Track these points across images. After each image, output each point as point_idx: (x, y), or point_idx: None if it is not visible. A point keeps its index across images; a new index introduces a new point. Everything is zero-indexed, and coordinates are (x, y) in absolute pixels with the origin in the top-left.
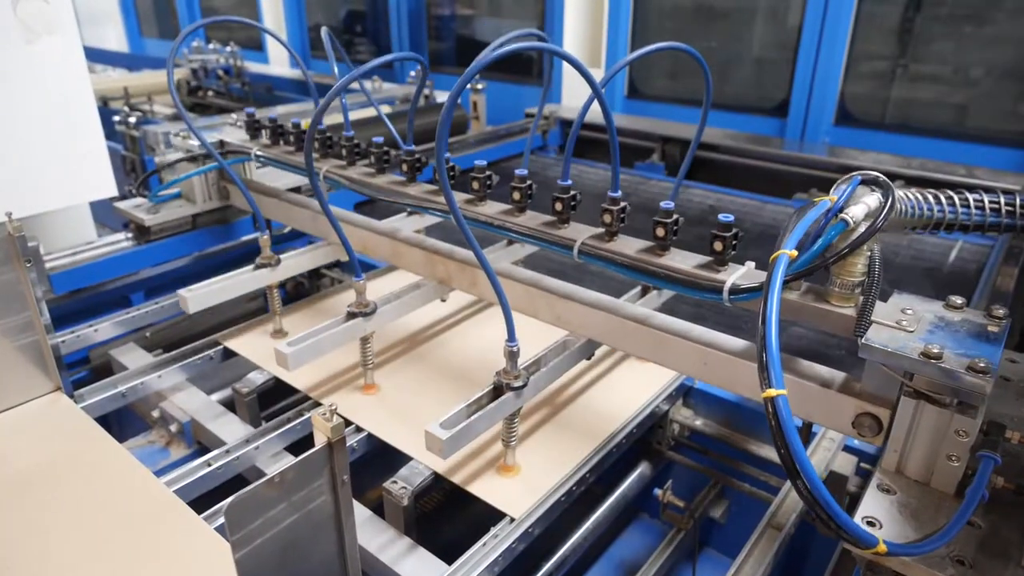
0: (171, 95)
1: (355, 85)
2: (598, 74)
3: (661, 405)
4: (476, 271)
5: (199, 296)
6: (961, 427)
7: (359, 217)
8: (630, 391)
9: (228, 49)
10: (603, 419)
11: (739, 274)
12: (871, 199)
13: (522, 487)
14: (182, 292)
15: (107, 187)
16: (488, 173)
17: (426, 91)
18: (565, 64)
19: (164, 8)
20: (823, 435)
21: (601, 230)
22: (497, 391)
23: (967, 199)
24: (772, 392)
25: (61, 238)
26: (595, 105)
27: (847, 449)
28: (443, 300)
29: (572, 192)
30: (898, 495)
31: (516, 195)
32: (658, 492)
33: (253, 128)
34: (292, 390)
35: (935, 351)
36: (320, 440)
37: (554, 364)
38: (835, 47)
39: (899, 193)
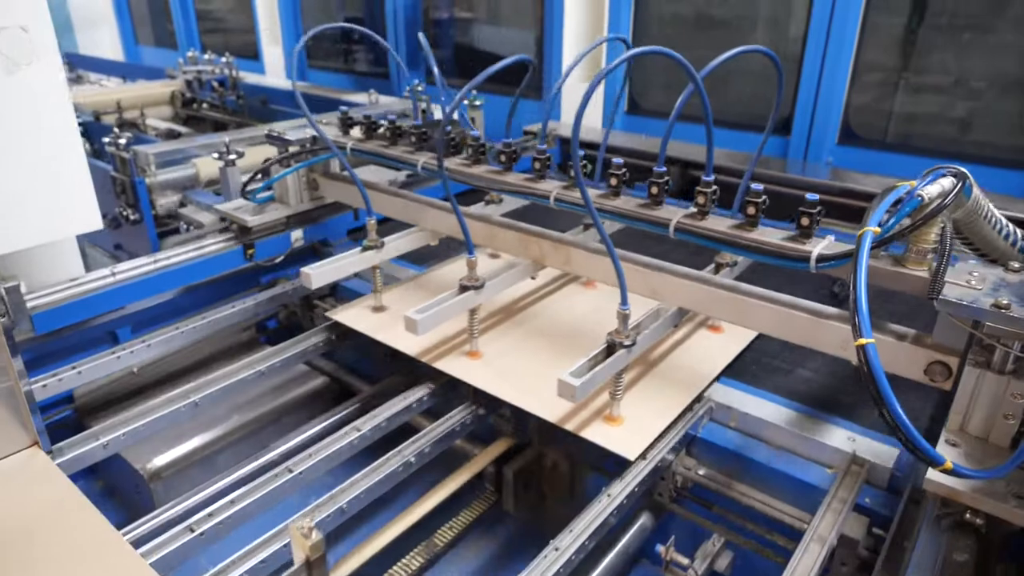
0: (305, 115)
1: (348, 98)
2: (598, 90)
3: (666, 456)
4: (570, 249)
5: (321, 274)
6: (1017, 391)
7: (449, 206)
8: (708, 352)
9: (223, 59)
10: (690, 375)
11: (823, 245)
12: (946, 181)
13: (629, 433)
14: (305, 270)
15: (92, 220)
16: (585, 161)
17: (422, 106)
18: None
19: (159, 14)
20: (833, 496)
21: (693, 210)
22: (611, 348)
23: None
24: (863, 340)
25: (47, 272)
26: (587, 122)
27: (858, 509)
28: (533, 278)
29: (666, 177)
30: (963, 447)
31: (613, 180)
32: (660, 549)
33: (346, 124)
34: None
35: (1004, 302)
36: (298, 558)
37: (652, 329)
38: (839, 64)
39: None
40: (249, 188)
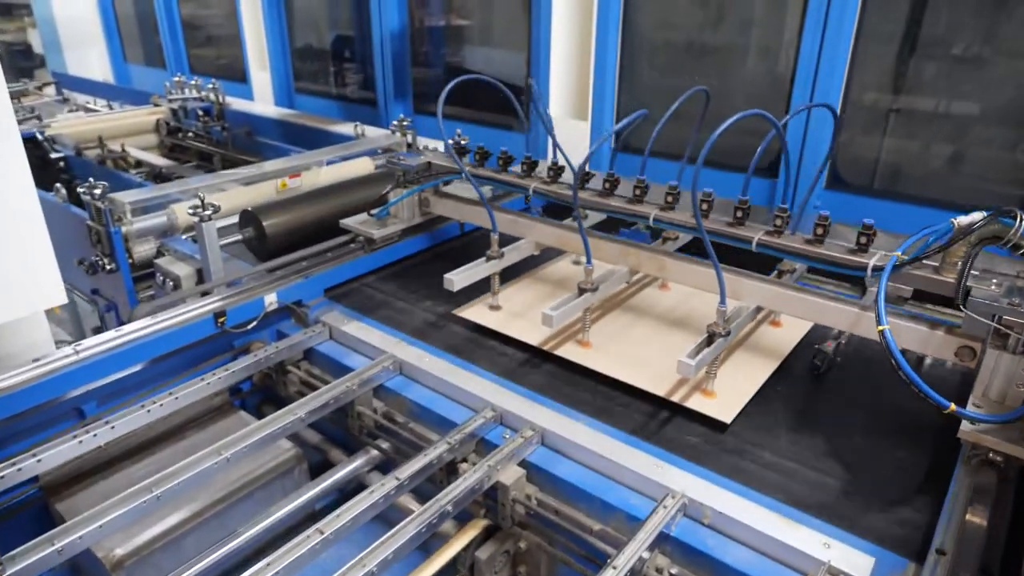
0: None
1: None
2: (585, 127)
3: (642, 555)
4: (664, 259)
5: (461, 279)
6: None
7: (554, 221)
8: (774, 340)
9: (211, 84)
10: (763, 357)
11: (876, 258)
12: (977, 215)
13: (723, 403)
14: (449, 276)
15: (56, 296)
16: (678, 189)
17: (407, 139)
18: (552, 110)
19: (149, 33)
20: None
21: (770, 228)
22: (711, 337)
23: None
24: (880, 327)
25: (17, 346)
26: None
27: None
28: (627, 282)
29: (747, 204)
30: (985, 408)
31: (704, 206)
32: None
33: (460, 152)
34: None
35: (1016, 301)
36: None
37: (738, 322)
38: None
39: None
40: (372, 211)
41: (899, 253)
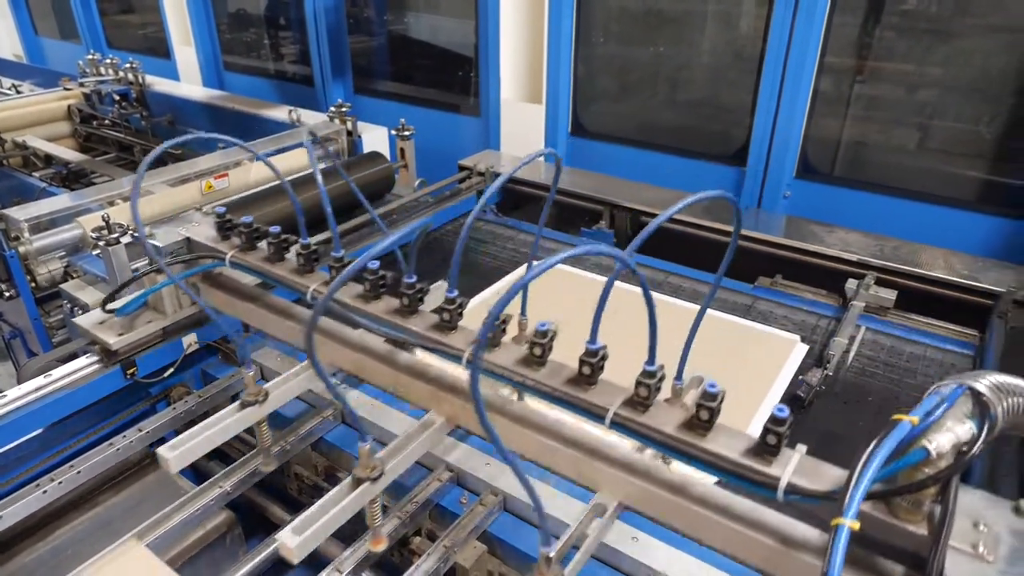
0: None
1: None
2: (539, 110)
3: None
4: (496, 415)
5: (183, 454)
6: None
7: (352, 332)
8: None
9: (128, 64)
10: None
11: (792, 466)
12: (963, 429)
13: None
14: (162, 451)
15: None
16: (504, 320)
17: (347, 127)
18: (504, 93)
19: (62, 3)
20: None
21: (631, 393)
22: None
23: None
24: None
25: None
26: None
27: None
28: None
29: (601, 353)
30: None
31: (537, 351)
32: None
33: (224, 228)
34: None
35: None
36: None
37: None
38: (799, 92)
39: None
40: (110, 304)
41: (851, 522)
